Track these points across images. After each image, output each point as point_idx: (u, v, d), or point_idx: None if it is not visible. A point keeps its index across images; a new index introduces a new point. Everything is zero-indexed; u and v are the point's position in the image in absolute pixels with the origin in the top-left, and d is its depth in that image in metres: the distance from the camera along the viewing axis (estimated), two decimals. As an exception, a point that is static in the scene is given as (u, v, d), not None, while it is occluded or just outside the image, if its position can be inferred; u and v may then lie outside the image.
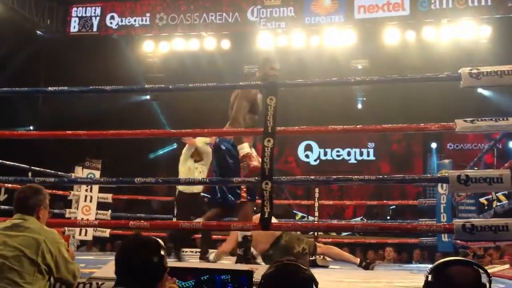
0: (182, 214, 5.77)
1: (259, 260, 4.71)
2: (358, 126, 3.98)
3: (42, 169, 6.82)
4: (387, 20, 9.96)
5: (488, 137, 11.13)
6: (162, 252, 2.08)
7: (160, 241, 2.12)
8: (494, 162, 5.57)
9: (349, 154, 13.97)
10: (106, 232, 7.44)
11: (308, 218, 11.33)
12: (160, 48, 11.18)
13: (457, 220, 3.33)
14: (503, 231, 3.01)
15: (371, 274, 4.55)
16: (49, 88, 4.09)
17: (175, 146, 14.61)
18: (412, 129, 4.06)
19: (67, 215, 7.15)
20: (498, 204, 5.59)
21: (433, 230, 3.62)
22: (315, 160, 14.02)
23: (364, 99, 12.73)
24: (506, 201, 5.44)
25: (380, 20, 9.98)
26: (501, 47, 8.94)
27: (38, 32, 11.05)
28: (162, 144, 14.41)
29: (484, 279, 1.87)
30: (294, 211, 12.22)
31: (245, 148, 4.17)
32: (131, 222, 3.54)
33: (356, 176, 3.63)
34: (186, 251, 7.53)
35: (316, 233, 7.27)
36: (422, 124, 3.63)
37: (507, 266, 4.41)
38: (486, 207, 7.18)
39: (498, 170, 3.23)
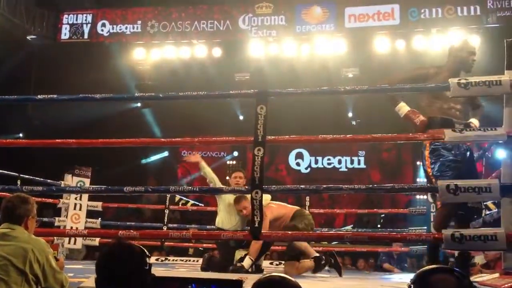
0: None
1: None
2: (348, 136, 4.00)
3: (31, 177, 6.75)
4: (378, 29, 10.02)
5: (478, 146, 11.18)
6: (148, 260, 1.99)
7: (143, 248, 2.01)
8: (483, 171, 5.60)
9: (340, 162, 14.01)
10: (96, 241, 7.37)
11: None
12: (151, 55, 11.15)
13: (446, 229, 3.34)
14: (492, 240, 3.03)
15: (361, 283, 4.54)
16: (38, 96, 4.05)
17: (166, 154, 14.58)
18: (401, 138, 4.09)
19: (56, 224, 7.08)
20: (487, 212, 5.61)
21: (423, 240, 3.62)
22: (306, 168, 14.04)
23: (355, 107, 12.78)
24: (495, 210, 5.46)
25: (371, 29, 10.03)
26: (490, 57, 8.98)
27: (29, 39, 10.99)
28: (154, 151, 14.36)
29: None
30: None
31: (402, 107, 3.90)
32: (120, 231, 3.51)
33: (346, 186, 3.63)
34: (176, 260, 7.51)
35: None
36: (411, 134, 3.66)
37: (496, 275, 4.41)
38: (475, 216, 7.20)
39: (486, 179, 3.24)
